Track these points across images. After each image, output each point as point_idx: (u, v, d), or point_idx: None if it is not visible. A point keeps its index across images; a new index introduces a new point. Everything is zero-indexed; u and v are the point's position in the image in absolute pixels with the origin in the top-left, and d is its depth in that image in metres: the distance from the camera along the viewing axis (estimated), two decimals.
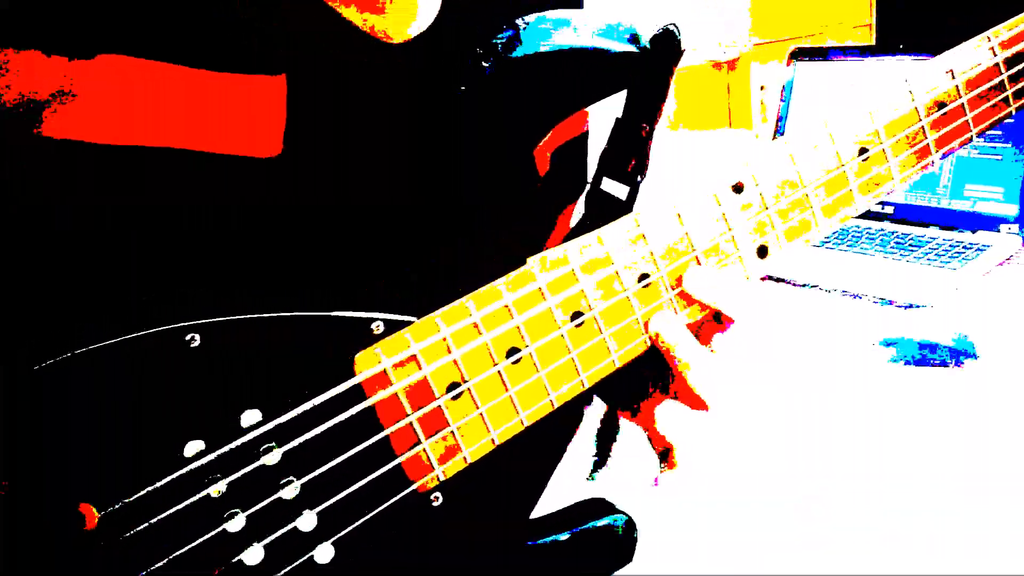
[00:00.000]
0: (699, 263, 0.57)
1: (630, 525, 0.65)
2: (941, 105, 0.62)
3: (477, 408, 0.54)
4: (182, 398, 0.49)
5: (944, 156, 0.64)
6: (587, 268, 0.55)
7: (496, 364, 0.53)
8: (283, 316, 0.52)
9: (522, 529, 0.63)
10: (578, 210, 0.67)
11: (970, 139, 0.64)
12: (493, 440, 0.55)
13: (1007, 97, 0.64)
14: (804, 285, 1.29)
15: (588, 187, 0.65)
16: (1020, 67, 0.64)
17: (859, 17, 1.72)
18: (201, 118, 0.52)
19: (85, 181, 0.51)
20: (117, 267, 0.52)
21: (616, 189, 0.64)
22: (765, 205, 0.58)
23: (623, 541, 0.65)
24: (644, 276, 0.56)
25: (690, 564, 0.81)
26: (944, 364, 1.05)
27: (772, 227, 0.59)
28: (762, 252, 0.59)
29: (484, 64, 0.59)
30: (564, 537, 0.63)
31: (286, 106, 0.54)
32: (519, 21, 0.60)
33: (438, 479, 0.54)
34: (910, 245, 1.35)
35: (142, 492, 0.47)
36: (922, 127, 0.62)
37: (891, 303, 1.20)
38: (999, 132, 1.38)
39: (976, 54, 0.63)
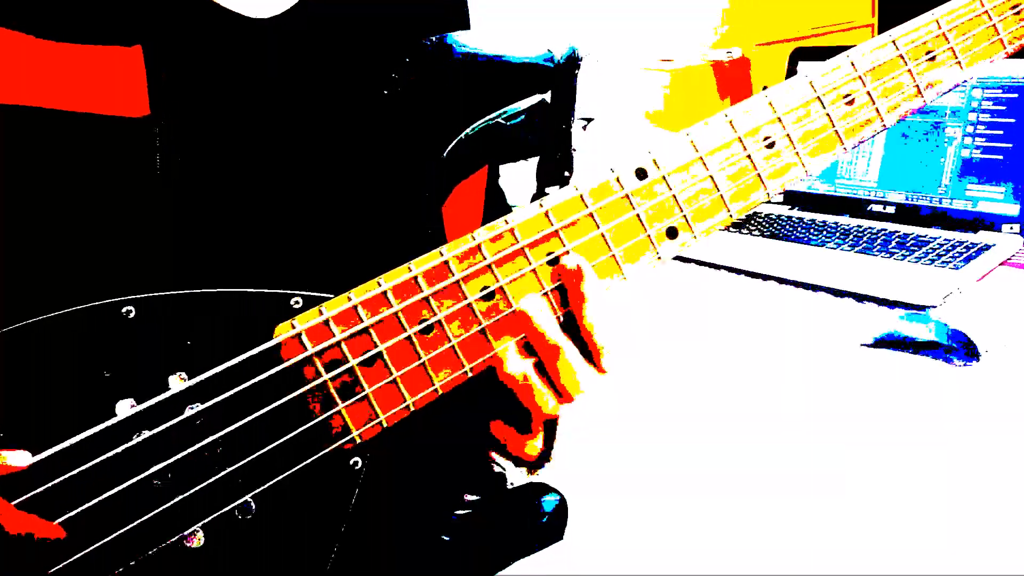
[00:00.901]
0: (606, 242, 0.60)
1: (561, 504, 0.68)
2: (846, 96, 0.64)
3: (391, 374, 0.57)
4: (117, 363, 0.55)
5: (856, 145, 0.65)
6: (490, 246, 0.59)
7: (406, 331, 0.57)
8: (210, 292, 0.57)
9: (449, 502, 0.66)
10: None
11: (884, 127, 0.65)
12: (408, 406, 0.58)
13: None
14: (805, 285, 1.29)
15: (534, 191, 0.70)
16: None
17: (860, 18, 1.71)
18: (65, 82, 0.58)
19: None
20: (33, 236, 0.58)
21: (553, 188, 0.69)
22: (669, 187, 0.61)
23: (552, 519, 0.68)
24: (550, 253, 0.60)
25: (671, 557, 0.83)
26: (949, 360, 1.05)
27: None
28: (671, 233, 0.62)
29: (395, 75, 0.65)
30: (492, 513, 0.66)
31: (145, 73, 0.60)
32: (433, 37, 0.66)
33: (355, 442, 0.58)
34: (912, 245, 1.35)
35: (71, 440, 0.52)
36: (828, 115, 0.64)
37: (893, 303, 1.19)
38: (1001, 132, 1.37)
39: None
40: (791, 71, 1.61)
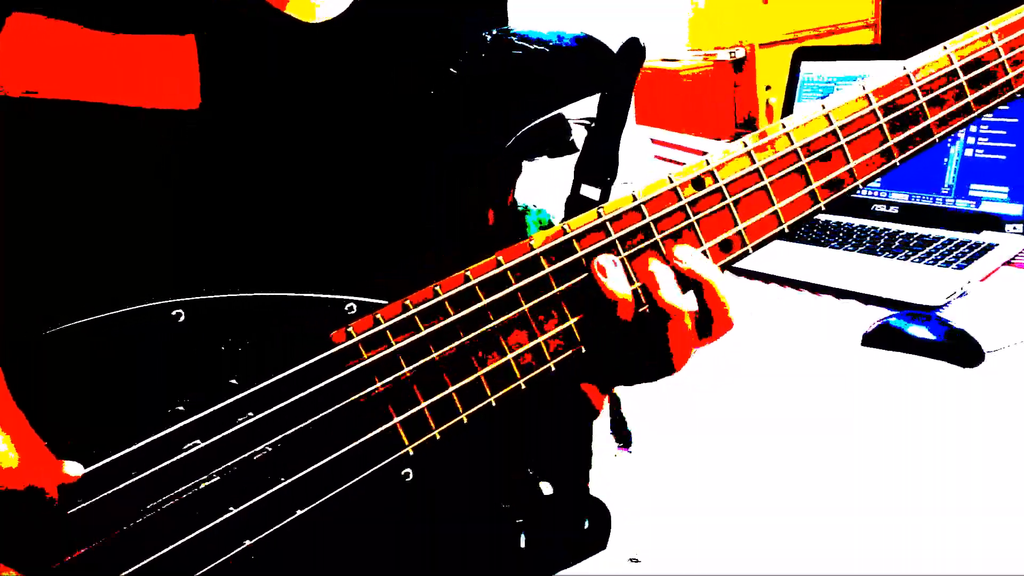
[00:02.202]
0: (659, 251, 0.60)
1: (604, 513, 0.68)
2: (899, 107, 0.63)
3: (446, 387, 0.56)
4: (168, 368, 0.53)
5: (908, 160, 0.64)
6: (548, 255, 0.58)
7: (462, 342, 0.56)
8: (263, 296, 0.55)
9: (494, 512, 0.65)
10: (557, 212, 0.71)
11: (933, 143, 0.65)
12: (461, 420, 0.57)
13: (968, 104, 0.65)
14: (808, 286, 1.29)
15: (569, 192, 0.68)
16: (976, 73, 0.65)
17: (863, 17, 1.72)
18: (115, 74, 0.56)
19: (17, 136, 0.55)
20: (84, 236, 0.56)
21: (591, 192, 0.67)
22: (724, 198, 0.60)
23: (596, 528, 0.67)
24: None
25: (673, 557, 0.83)
26: (952, 361, 1.05)
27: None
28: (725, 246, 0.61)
29: (452, 70, 0.63)
30: (536, 522, 0.65)
31: (198, 63, 0.58)
32: (485, 33, 0.64)
33: (408, 454, 0.57)
34: (915, 245, 1.35)
35: (124, 451, 0.51)
36: (880, 127, 0.63)
37: (896, 304, 1.19)
38: (1004, 132, 1.38)
39: (934, 61, 0.64)
40: (794, 71, 1.61)
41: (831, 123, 0.61)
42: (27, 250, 0.56)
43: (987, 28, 0.64)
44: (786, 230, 0.61)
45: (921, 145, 0.62)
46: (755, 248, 0.61)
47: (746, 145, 0.61)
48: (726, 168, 0.60)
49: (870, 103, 0.62)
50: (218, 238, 0.59)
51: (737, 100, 1.75)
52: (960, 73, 0.64)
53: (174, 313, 0.54)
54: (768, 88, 1.71)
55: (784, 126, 0.61)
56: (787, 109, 1.62)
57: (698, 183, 0.60)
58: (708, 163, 0.60)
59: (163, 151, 0.58)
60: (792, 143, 0.61)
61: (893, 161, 0.62)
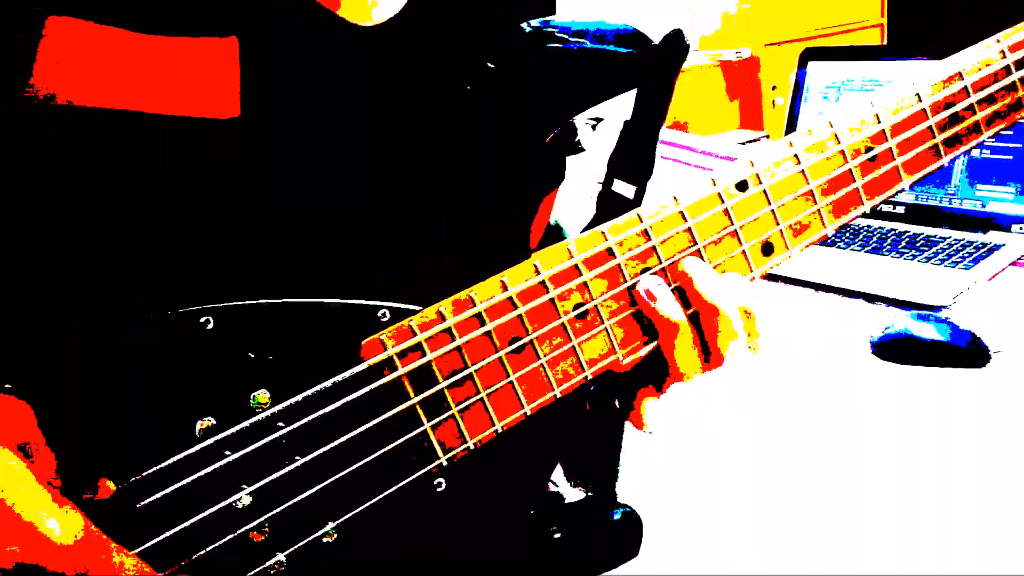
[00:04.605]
0: (701, 256, 0.58)
1: (635, 520, 0.66)
2: (949, 106, 0.62)
3: (479, 395, 0.55)
4: (196, 378, 0.51)
5: (955, 158, 0.63)
6: (589, 262, 0.56)
7: (497, 351, 0.54)
8: (293, 302, 0.53)
9: (526, 521, 0.64)
10: (587, 209, 0.69)
11: (982, 140, 0.64)
12: (496, 430, 0.56)
13: (1019, 99, 0.64)
14: (814, 285, 1.29)
15: (600, 188, 0.66)
16: None
17: (870, 18, 1.72)
18: (152, 80, 0.52)
19: (45, 143, 0.51)
20: (109, 247, 0.53)
21: (625, 189, 0.65)
22: (768, 202, 0.59)
23: (628, 536, 0.66)
24: (646, 270, 0.57)
25: (691, 560, 0.82)
26: (956, 365, 1.04)
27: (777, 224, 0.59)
28: (767, 249, 0.60)
29: (489, 64, 0.61)
30: (568, 530, 0.64)
31: (239, 67, 0.54)
32: (524, 24, 0.62)
33: (441, 466, 0.55)
34: (921, 245, 1.35)
35: (155, 468, 0.49)
36: (930, 127, 0.62)
37: (903, 304, 1.19)
38: (1010, 132, 1.38)
39: (986, 56, 0.63)
40: (800, 71, 1.60)
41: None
42: (43, 258, 0.53)
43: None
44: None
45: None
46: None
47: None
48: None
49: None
50: (228, 241, 0.57)
51: (742, 101, 1.74)
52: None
53: (202, 320, 0.51)
54: (774, 88, 1.70)
55: None
56: (793, 110, 1.61)
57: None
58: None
59: (197, 160, 0.55)
60: None
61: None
